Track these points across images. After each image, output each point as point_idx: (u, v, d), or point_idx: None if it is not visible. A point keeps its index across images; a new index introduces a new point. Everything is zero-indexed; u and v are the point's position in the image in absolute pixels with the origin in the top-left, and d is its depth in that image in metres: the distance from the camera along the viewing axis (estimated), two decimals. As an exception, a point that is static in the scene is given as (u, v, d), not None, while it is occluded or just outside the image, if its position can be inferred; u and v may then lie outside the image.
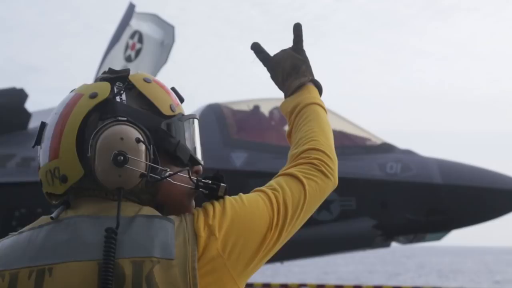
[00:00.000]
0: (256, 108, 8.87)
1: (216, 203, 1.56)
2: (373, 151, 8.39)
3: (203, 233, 1.50)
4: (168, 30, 10.52)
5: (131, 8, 10.04)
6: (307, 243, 8.28)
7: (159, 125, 1.58)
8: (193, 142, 1.66)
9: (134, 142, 1.51)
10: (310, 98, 1.86)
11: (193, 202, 1.64)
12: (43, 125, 1.61)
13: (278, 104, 9.00)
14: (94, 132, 1.51)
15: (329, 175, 1.72)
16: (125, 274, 1.42)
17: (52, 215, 1.53)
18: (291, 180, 1.67)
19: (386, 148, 8.39)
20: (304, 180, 1.67)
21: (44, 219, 1.53)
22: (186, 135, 1.63)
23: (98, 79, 1.64)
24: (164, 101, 1.62)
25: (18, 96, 9.41)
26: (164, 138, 1.58)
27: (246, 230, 1.54)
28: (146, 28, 10.24)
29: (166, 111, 1.61)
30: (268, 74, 1.97)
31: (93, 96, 1.57)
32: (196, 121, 1.69)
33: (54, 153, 1.55)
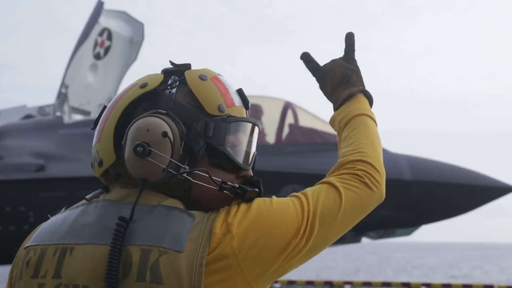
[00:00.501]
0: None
1: (243, 203, 1.52)
2: (343, 147, 8.44)
3: (218, 230, 1.46)
4: (137, 27, 10.46)
5: (99, 5, 9.95)
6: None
7: (194, 123, 1.55)
8: (242, 146, 1.61)
9: (159, 135, 1.49)
10: (359, 109, 1.80)
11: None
12: (103, 108, 1.64)
13: (250, 101, 9.07)
14: (132, 121, 1.52)
15: (373, 187, 1.65)
16: (132, 260, 1.42)
17: (87, 196, 1.57)
18: (328, 188, 1.60)
19: (356, 144, 8.44)
20: (342, 190, 1.59)
21: (83, 201, 1.58)
22: (230, 138, 1.58)
23: (161, 71, 1.64)
24: (212, 100, 1.58)
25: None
26: (194, 137, 1.54)
27: (268, 232, 1.48)
28: (115, 25, 10.16)
29: (211, 110, 1.57)
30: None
31: (143, 86, 1.58)
32: (251, 126, 1.63)
33: (98, 137, 1.59)
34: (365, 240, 8.88)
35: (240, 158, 1.60)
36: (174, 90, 1.58)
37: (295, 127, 8.65)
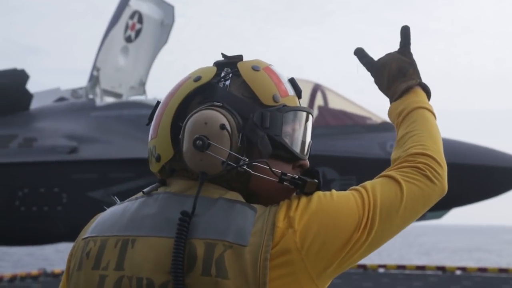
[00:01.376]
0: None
1: (303, 196, 1.51)
2: (373, 130, 8.38)
3: (281, 224, 1.45)
4: (167, 10, 10.49)
5: (130, -12, 10.00)
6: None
7: (250, 114, 1.54)
8: (298, 136, 1.60)
9: (217, 128, 1.49)
10: (418, 102, 1.79)
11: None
12: (157, 103, 1.64)
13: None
14: (189, 115, 1.52)
15: (435, 180, 1.63)
16: (197, 254, 1.42)
17: (144, 190, 1.58)
18: (389, 182, 1.58)
19: (387, 126, 8.37)
20: (403, 183, 1.58)
21: (143, 192, 1.58)
22: (287, 127, 1.58)
23: (213, 63, 1.64)
24: (267, 90, 1.58)
25: (19, 77, 9.43)
26: (251, 128, 1.54)
27: (330, 226, 1.47)
28: (145, 8, 10.21)
29: (266, 100, 1.57)
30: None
31: (197, 79, 1.58)
32: (305, 115, 1.62)
33: (155, 132, 1.59)
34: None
35: (296, 148, 1.59)
36: (228, 82, 1.58)
37: (324, 109, 8.62)
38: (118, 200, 1.63)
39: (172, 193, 1.53)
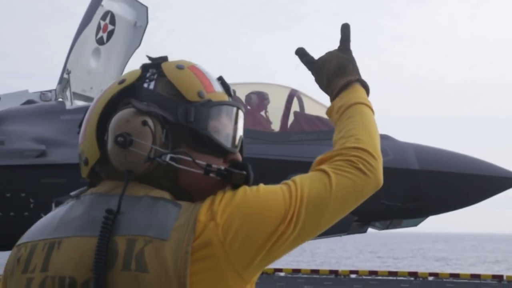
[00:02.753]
0: (232, 92, 8.70)
1: (229, 190, 1.53)
2: (349, 136, 8.29)
3: (203, 217, 1.47)
4: (141, 11, 10.31)
5: (103, -13, 9.79)
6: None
7: (176, 109, 1.59)
8: (227, 130, 1.65)
9: (139, 124, 1.53)
10: (356, 98, 1.81)
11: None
12: (86, 110, 1.67)
13: (254, 88, 8.97)
14: (112, 116, 1.56)
15: (368, 172, 1.63)
16: (118, 250, 1.45)
17: (72, 193, 1.62)
18: (319, 175, 1.60)
19: (363, 133, 8.30)
20: (333, 176, 1.59)
21: (73, 196, 1.63)
22: (213, 122, 1.61)
23: (140, 66, 1.68)
24: (191, 87, 1.62)
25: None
26: (175, 124, 1.58)
27: (254, 218, 1.48)
28: (118, 8, 10.01)
29: (191, 96, 1.61)
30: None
31: (121, 82, 1.62)
32: (235, 110, 1.68)
33: (83, 137, 1.63)
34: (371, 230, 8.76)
35: (226, 142, 1.63)
36: (152, 83, 1.62)
37: (300, 115, 8.52)
38: (54, 207, 1.71)
39: (98, 193, 1.57)
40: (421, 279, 14.81)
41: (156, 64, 1.66)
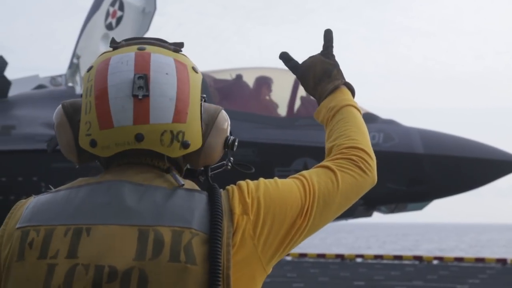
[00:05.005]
0: (239, 77, 8.80)
1: (250, 182, 1.59)
2: (355, 121, 8.35)
3: (237, 210, 1.52)
4: (149, -3, 10.37)
5: (111, -26, 9.87)
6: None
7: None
8: None
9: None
10: (345, 100, 1.88)
11: None
12: (145, 77, 1.56)
13: (261, 73, 9.02)
14: (201, 109, 1.62)
15: (367, 171, 1.73)
16: (164, 240, 1.45)
17: (86, 178, 1.58)
18: (326, 171, 1.68)
19: (369, 118, 8.36)
20: (338, 173, 1.68)
21: (82, 180, 1.57)
22: None
23: (151, 43, 1.64)
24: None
25: (-3, 64, 9.27)
26: None
27: (276, 213, 1.55)
28: (127, -6, 10.08)
29: None
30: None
31: (196, 71, 1.65)
32: None
33: (181, 117, 1.57)
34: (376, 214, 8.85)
35: None
36: None
37: (307, 99, 8.60)
38: (52, 188, 1.61)
39: (128, 181, 1.54)
40: (426, 262, 14.92)
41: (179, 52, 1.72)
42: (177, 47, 1.65)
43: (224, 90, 8.81)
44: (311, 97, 7.74)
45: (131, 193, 1.52)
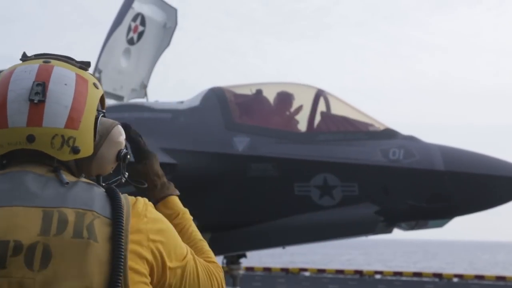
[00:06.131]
0: (259, 92, 8.81)
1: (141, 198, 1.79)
2: (375, 137, 8.32)
3: (139, 209, 1.72)
4: (170, 13, 10.44)
5: (133, -10, 9.94)
6: (309, 228, 8.25)
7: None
8: None
9: (124, 141, 1.88)
10: (184, 208, 2.12)
11: None
12: (43, 84, 1.71)
13: (282, 88, 9.02)
14: (97, 121, 1.76)
15: (221, 286, 1.94)
16: (68, 220, 1.59)
17: None
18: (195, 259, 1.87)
19: (389, 134, 8.33)
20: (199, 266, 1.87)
21: None
22: None
23: (57, 58, 1.80)
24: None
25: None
26: None
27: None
28: (148, 10, 10.15)
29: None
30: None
31: (97, 87, 1.80)
32: None
33: (74, 124, 1.71)
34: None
35: None
36: None
37: (327, 115, 8.58)
38: None
39: (31, 172, 1.67)
40: (446, 280, 14.77)
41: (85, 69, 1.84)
42: (83, 65, 1.81)
43: (244, 105, 8.82)
44: (332, 113, 7.62)
45: (34, 181, 1.65)
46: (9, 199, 1.61)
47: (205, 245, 2.04)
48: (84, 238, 1.58)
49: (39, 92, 1.68)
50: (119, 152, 1.82)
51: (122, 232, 1.61)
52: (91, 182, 1.72)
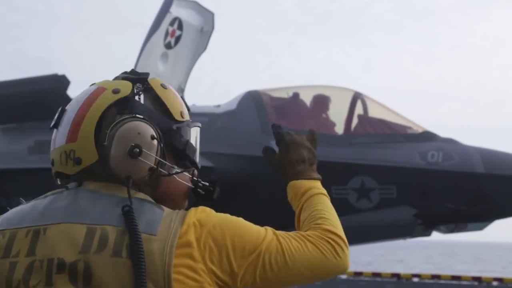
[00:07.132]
0: (296, 95, 8.82)
1: (205, 207, 1.71)
2: (414, 139, 8.27)
3: (189, 220, 1.64)
4: (207, 17, 10.50)
5: (171, -5, 10.03)
6: (346, 231, 8.22)
7: (171, 126, 1.77)
8: (197, 148, 1.85)
9: (149, 138, 1.70)
10: (319, 188, 2.02)
11: (186, 201, 1.83)
12: (63, 111, 1.78)
13: (318, 91, 9.02)
14: (113, 124, 1.70)
15: (341, 255, 1.80)
16: (109, 238, 1.60)
17: (53, 192, 1.74)
18: (298, 235, 1.78)
19: (428, 136, 8.27)
20: (308, 243, 1.76)
21: (50, 192, 1.73)
22: (192, 140, 1.82)
23: (119, 78, 1.81)
24: (176, 107, 1.80)
25: (60, 82, 9.50)
26: (176, 138, 1.77)
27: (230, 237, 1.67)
28: (185, 14, 10.22)
29: (177, 116, 1.80)
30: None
31: (116, 91, 1.74)
32: (199, 129, 1.87)
33: (72, 137, 1.72)
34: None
35: (197, 159, 1.85)
36: (142, 97, 1.77)
37: (364, 117, 8.55)
38: (24, 201, 1.76)
39: (86, 189, 1.70)
40: (485, 283, 14.56)
41: (141, 79, 1.79)
42: (133, 75, 1.80)
43: (281, 108, 8.84)
44: (368, 115, 7.59)
45: (86, 197, 1.67)
46: (61, 217, 1.65)
47: (323, 219, 1.90)
48: (123, 258, 1.58)
49: (59, 117, 1.78)
50: (131, 149, 1.70)
51: (140, 244, 1.58)
52: (143, 198, 1.69)
